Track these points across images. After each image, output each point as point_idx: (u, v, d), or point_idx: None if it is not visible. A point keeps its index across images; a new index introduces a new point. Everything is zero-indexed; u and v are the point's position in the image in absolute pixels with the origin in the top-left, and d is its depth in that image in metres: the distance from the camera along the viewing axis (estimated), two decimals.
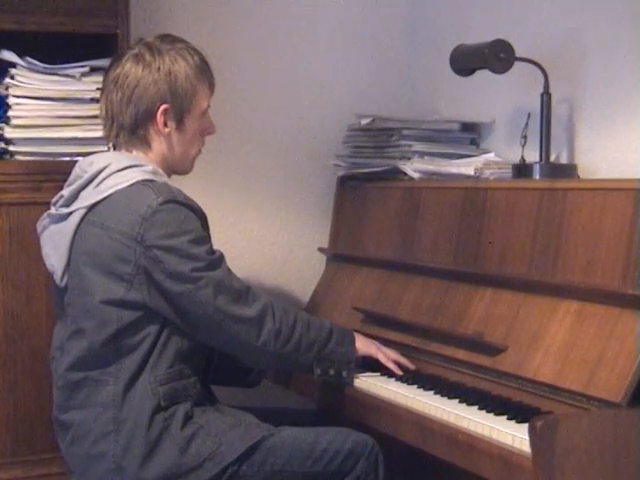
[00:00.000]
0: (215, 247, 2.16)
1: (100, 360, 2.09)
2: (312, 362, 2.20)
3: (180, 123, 2.20)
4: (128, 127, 2.19)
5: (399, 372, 2.32)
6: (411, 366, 2.35)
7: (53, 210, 2.19)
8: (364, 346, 2.31)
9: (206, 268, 2.09)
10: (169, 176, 2.25)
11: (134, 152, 2.21)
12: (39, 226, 2.22)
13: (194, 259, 2.08)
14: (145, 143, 2.21)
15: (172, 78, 2.17)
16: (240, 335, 2.12)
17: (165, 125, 2.19)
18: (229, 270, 2.16)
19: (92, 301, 2.09)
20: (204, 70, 2.24)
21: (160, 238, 2.06)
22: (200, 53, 2.24)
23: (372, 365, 2.35)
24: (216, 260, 2.13)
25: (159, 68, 2.17)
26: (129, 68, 2.17)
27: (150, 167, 2.16)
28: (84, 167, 2.18)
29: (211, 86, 2.27)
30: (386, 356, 2.34)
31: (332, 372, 2.23)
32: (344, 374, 2.25)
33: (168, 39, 2.23)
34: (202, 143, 2.30)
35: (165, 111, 2.18)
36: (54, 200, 2.21)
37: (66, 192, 2.18)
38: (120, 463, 2.06)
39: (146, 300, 2.07)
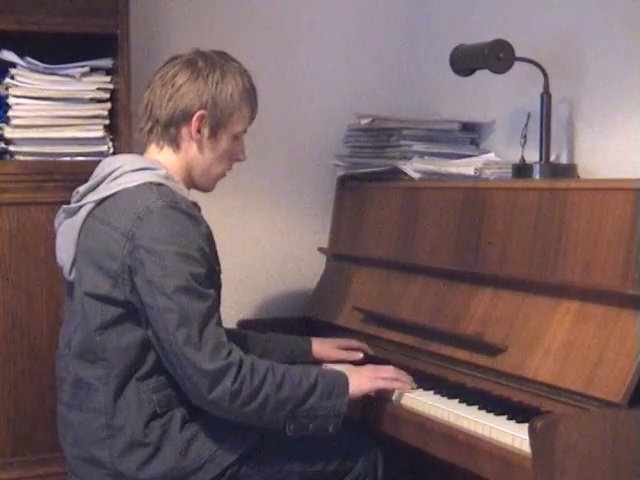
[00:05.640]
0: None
1: (90, 356, 2.09)
2: (283, 420, 2.06)
3: (213, 134, 2.20)
4: (163, 123, 2.19)
5: (407, 387, 2.23)
6: (411, 384, 2.24)
7: (71, 204, 2.21)
8: (359, 387, 2.15)
9: (182, 291, 1.99)
10: (188, 188, 2.23)
11: (165, 148, 2.21)
12: (56, 222, 2.24)
13: (173, 274, 1.99)
14: (175, 142, 2.20)
15: (217, 90, 2.18)
16: (192, 379, 1.99)
17: (198, 131, 2.19)
18: (211, 316, 2.01)
19: (81, 293, 2.11)
20: (250, 94, 2.24)
21: (149, 240, 2.03)
22: (251, 78, 2.25)
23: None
24: (199, 293, 2.01)
25: (207, 77, 2.18)
26: (179, 69, 2.19)
27: (163, 172, 2.15)
28: (103, 166, 2.20)
29: (252, 113, 2.26)
30: (386, 381, 2.22)
31: (312, 427, 2.06)
32: (330, 428, 2.08)
33: (225, 56, 2.24)
34: (229, 167, 2.29)
35: (201, 117, 2.18)
36: (72, 196, 2.23)
37: (82, 188, 2.20)
38: (118, 469, 2.06)
39: (129, 298, 2.05)
